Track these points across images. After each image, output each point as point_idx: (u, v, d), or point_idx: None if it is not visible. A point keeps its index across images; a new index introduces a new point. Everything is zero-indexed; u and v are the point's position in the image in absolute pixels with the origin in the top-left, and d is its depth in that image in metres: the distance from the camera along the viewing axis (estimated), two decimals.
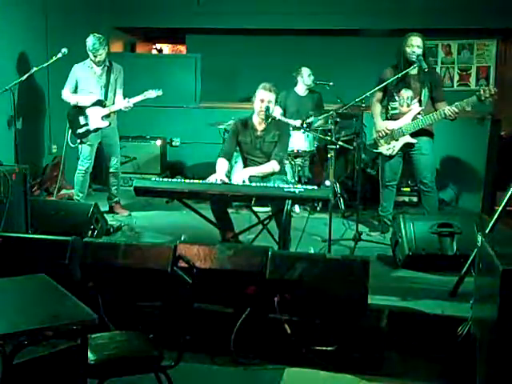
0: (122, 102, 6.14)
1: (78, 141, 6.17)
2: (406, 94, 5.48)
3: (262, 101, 4.88)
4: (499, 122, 7.33)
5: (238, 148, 5.18)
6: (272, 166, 4.93)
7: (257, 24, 7.97)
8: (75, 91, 6.18)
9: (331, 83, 6.99)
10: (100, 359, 2.72)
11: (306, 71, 7.01)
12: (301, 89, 7.09)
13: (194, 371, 3.54)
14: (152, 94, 6.16)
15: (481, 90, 5.13)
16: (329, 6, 7.66)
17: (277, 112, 5.66)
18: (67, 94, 6.15)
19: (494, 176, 7.15)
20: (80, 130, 6.14)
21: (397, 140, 5.51)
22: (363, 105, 5.34)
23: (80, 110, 6.12)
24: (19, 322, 2.37)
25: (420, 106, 5.45)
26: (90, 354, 2.64)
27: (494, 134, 7.32)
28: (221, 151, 5.19)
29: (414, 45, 5.32)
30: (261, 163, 4.98)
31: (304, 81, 7.02)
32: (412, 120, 5.43)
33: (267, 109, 4.86)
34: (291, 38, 8.19)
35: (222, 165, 4.97)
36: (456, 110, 5.21)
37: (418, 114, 5.42)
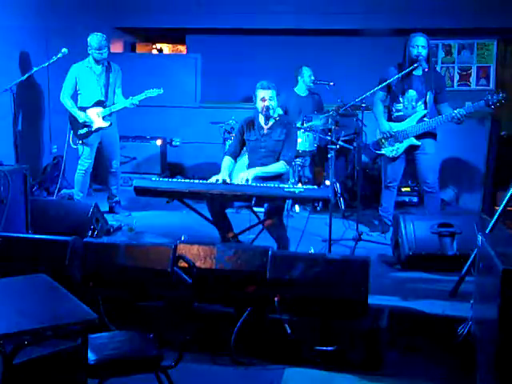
0: (125, 101, 6.14)
1: (80, 141, 6.17)
2: (410, 95, 5.47)
3: (264, 99, 4.88)
4: (499, 122, 7.34)
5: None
6: (280, 166, 4.90)
7: (257, 24, 7.97)
8: (74, 92, 6.19)
9: (331, 83, 6.99)
10: (100, 359, 2.72)
11: (306, 71, 7.00)
12: (301, 89, 7.09)
13: (194, 371, 3.54)
14: (152, 92, 6.16)
15: (489, 96, 5.12)
16: (329, 6, 7.67)
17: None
18: (67, 100, 6.15)
19: (494, 176, 7.15)
20: (81, 131, 6.14)
21: (401, 142, 5.50)
22: (363, 105, 5.33)
23: (81, 111, 6.12)
24: (19, 321, 2.37)
25: (425, 108, 5.44)
26: (89, 354, 2.64)
27: (493, 134, 7.32)
28: (227, 150, 5.19)
29: (420, 45, 5.30)
30: (266, 161, 4.94)
31: (304, 81, 7.02)
32: (417, 122, 5.43)
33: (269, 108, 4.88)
34: (291, 38, 8.19)
35: (226, 163, 4.99)
36: (464, 113, 5.21)
37: (424, 116, 5.42)
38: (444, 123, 5.35)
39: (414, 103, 5.47)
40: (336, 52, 8.08)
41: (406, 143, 5.48)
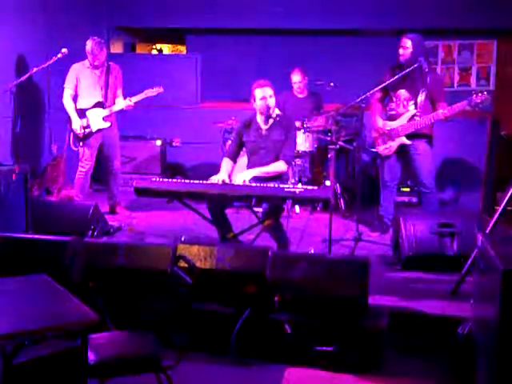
0: (123, 102, 6.14)
1: (80, 143, 6.17)
2: (402, 95, 5.55)
3: (264, 98, 4.86)
4: (499, 122, 7.33)
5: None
6: (279, 166, 4.87)
7: (257, 24, 7.96)
8: (75, 92, 6.18)
9: (331, 83, 6.98)
10: (100, 359, 2.72)
11: (294, 77, 6.95)
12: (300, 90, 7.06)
13: (194, 371, 3.54)
14: (153, 91, 6.15)
15: (473, 95, 5.17)
16: (329, 6, 7.66)
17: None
18: (69, 103, 6.13)
19: (494, 176, 7.15)
20: (82, 133, 6.13)
21: (393, 140, 5.56)
22: (363, 105, 5.34)
23: (81, 113, 6.11)
24: (19, 321, 2.37)
25: (416, 107, 5.48)
26: (90, 354, 2.64)
27: (494, 133, 7.32)
28: (226, 151, 5.18)
29: (402, 45, 5.41)
30: (265, 162, 4.91)
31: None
32: (408, 121, 5.47)
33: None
34: (291, 38, 8.19)
35: (225, 165, 4.97)
36: (454, 111, 5.24)
37: (415, 115, 5.46)
38: (435, 122, 5.37)
39: (405, 102, 5.52)
40: (336, 52, 8.07)
41: (397, 141, 5.54)
